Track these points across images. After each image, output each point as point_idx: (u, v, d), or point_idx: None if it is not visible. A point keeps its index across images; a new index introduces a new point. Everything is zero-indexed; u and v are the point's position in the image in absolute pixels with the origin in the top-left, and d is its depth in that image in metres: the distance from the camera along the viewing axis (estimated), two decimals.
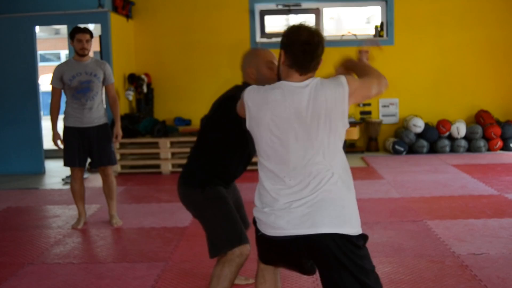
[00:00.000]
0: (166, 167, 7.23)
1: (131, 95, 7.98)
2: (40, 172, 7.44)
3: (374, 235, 4.13)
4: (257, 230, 2.27)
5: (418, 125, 8.21)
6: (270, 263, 2.38)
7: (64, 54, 24.48)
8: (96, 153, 4.60)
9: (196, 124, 8.24)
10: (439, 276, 3.36)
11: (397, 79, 8.58)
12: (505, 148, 8.24)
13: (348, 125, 2.22)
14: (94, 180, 6.66)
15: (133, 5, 8.43)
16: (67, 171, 6.46)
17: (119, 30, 7.83)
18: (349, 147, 8.51)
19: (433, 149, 8.28)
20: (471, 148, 8.22)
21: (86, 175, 6.63)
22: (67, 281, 3.45)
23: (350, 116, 8.52)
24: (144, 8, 8.55)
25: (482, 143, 8.18)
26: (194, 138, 2.93)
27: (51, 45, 24.10)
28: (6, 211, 5.43)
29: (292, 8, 8.63)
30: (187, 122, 8.47)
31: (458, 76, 8.59)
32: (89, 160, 4.72)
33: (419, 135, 8.29)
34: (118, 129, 4.68)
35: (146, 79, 8.27)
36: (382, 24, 8.58)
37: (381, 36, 8.55)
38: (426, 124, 8.32)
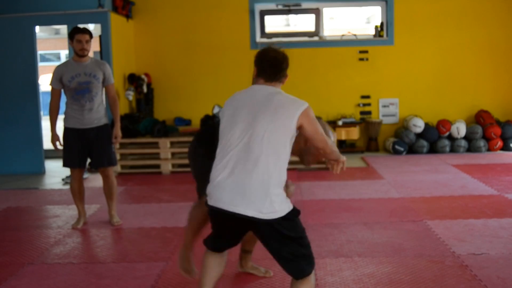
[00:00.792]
0: (166, 167, 7.23)
1: (131, 95, 7.98)
2: (40, 172, 7.45)
3: (374, 235, 4.13)
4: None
5: (418, 125, 8.21)
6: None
7: (64, 54, 24.49)
8: (96, 154, 4.59)
9: (196, 124, 8.24)
10: (439, 276, 3.36)
11: (397, 79, 8.60)
12: (505, 148, 8.24)
13: (293, 139, 2.49)
14: (94, 180, 6.66)
15: (133, 5, 8.44)
16: (67, 171, 6.46)
17: (119, 30, 7.83)
18: (349, 147, 8.51)
19: (433, 149, 8.28)
20: (471, 148, 8.22)
21: (86, 175, 6.63)
22: (67, 281, 3.45)
23: (350, 116, 8.52)
24: (144, 8, 8.55)
25: (482, 143, 8.18)
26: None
27: (51, 45, 24.12)
28: (6, 211, 5.42)
29: (292, 8, 8.63)
30: (187, 122, 8.46)
31: (458, 76, 8.59)
32: (89, 160, 4.71)
33: (419, 135, 8.29)
34: (117, 130, 4.66)
35: (146, 79, 8.27)
36: (382, 24, 8.58)
37: (381, 36, 8.56)
38: (426, 124, 8.32)
